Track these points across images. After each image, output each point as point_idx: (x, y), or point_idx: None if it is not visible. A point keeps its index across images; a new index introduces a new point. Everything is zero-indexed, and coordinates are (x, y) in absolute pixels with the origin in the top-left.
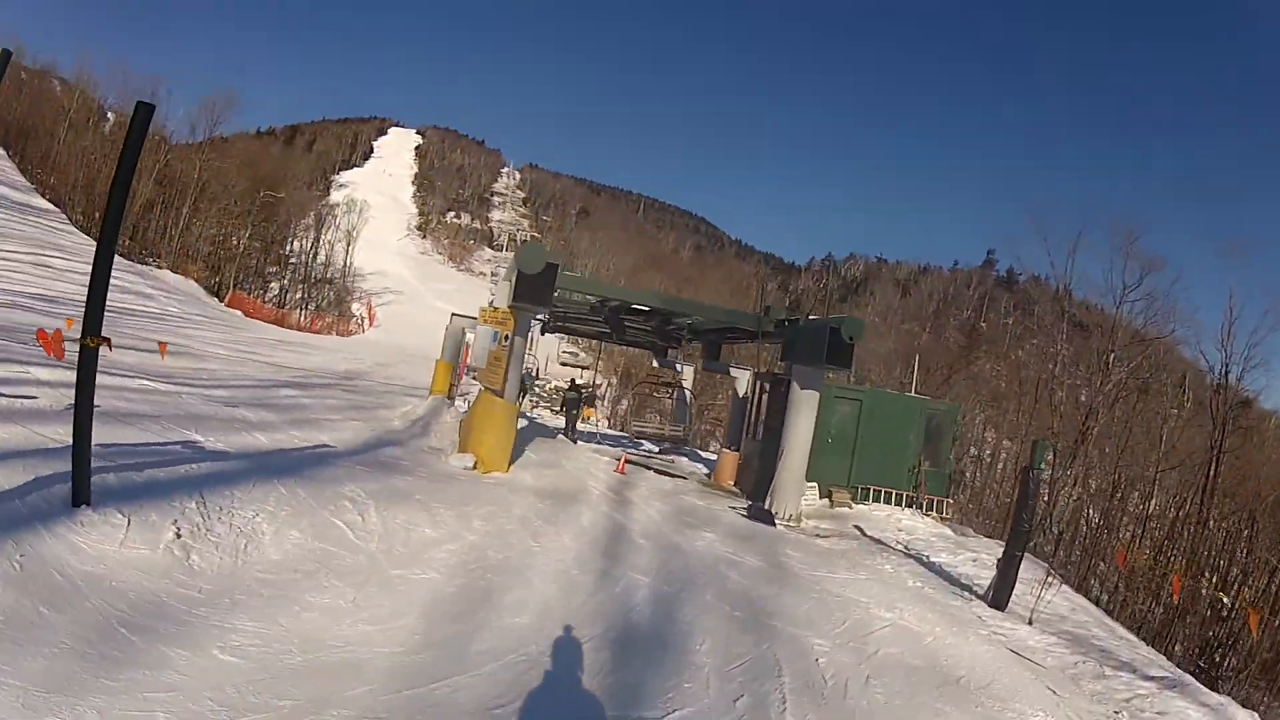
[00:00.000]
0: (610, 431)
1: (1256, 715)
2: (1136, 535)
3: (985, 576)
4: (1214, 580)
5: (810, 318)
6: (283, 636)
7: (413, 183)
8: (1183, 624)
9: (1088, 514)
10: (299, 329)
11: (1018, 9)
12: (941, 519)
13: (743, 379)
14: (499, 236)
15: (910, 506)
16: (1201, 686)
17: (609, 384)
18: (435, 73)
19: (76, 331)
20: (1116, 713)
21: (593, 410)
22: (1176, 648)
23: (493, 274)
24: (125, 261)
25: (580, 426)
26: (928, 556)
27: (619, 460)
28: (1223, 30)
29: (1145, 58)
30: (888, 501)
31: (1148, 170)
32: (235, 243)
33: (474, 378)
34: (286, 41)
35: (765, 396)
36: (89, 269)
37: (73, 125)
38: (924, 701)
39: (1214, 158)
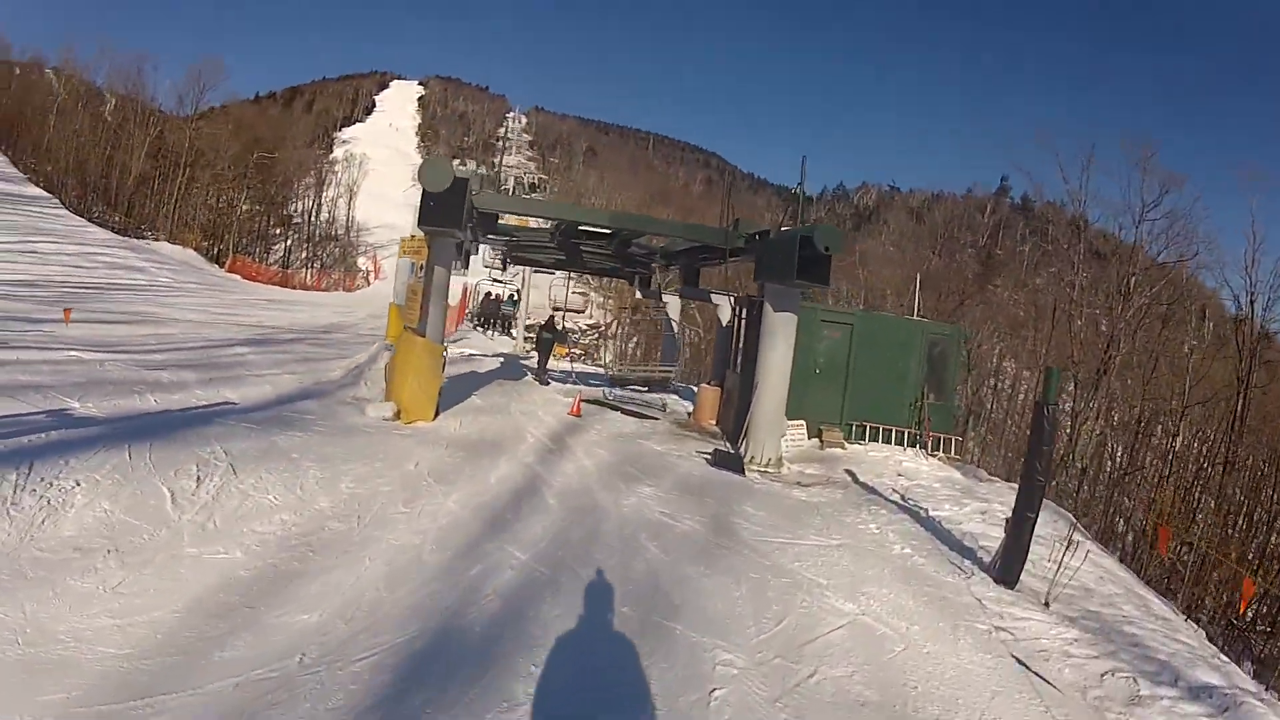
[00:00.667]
0: (597, 370)
1: None
2: (1164, 476)
3: (994, 536)
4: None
5: (783, 229)
6: (16, 625)
7: (416, 134)
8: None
9: (1111, 449)
10: (302, 288)
11: None
12: (949, 460)
13: (725, 306)
14: (506, 181)
15: (913, 446)
16: (1262, 705)
17: (619, 323)
18: (434, 21)
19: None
20: None
21: (565, 349)
22: (1207, 600)
23: None
24: (118, 237)
25: (553, 366)
26: (927, 510)
27: (574, 401)
28: None
29: None
30: (887, 440)
31: (1164, 81)
32: (234, 208)
33: (476, 324)
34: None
35: (745, 324)
36: (79, 250)
37: (62, 111)
38: None
39: (1235, 62)
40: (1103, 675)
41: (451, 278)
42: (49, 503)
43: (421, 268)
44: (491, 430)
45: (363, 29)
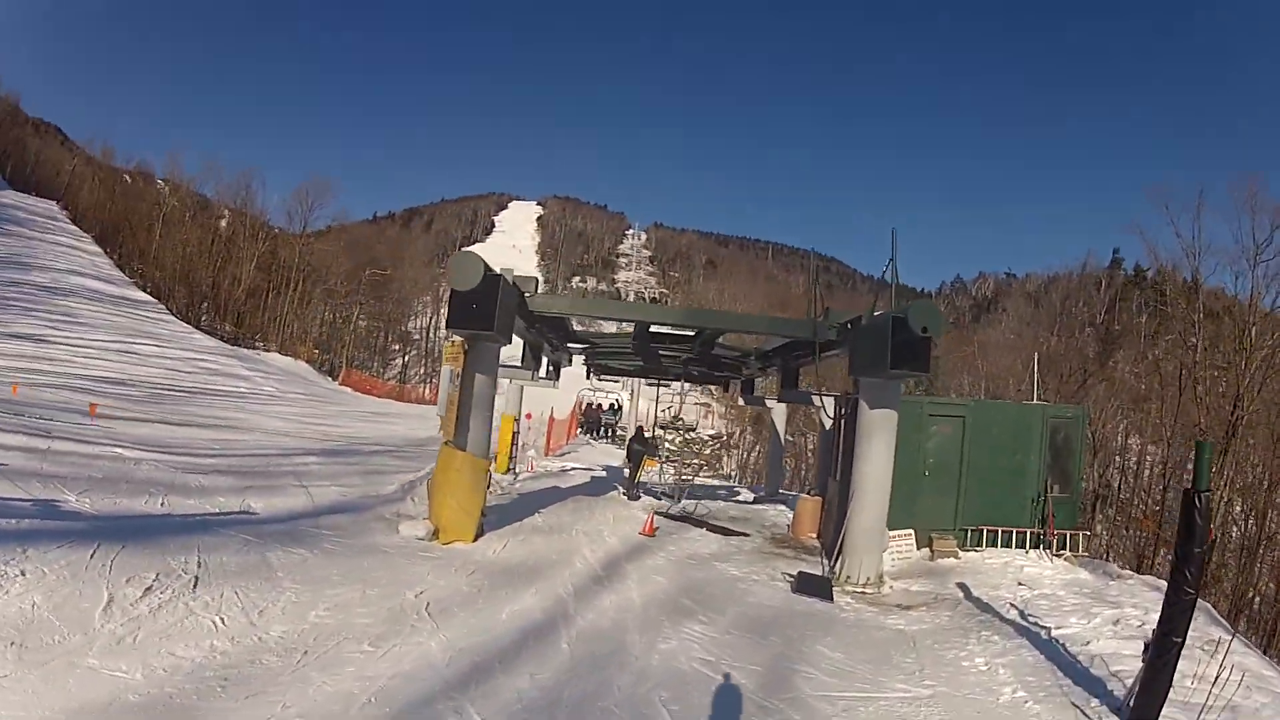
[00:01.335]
0: (714, 484)
1: None
2: None
3: (1129, 656)
4: None
5: (875, 315)
6: None
7: (536, 252)
8: None
9: (1239, 514)
10: (418, 401)
11: None
12: (1076, 559)
13: (826, 407)
14: (626, 296)
15: (1036, 547)
16: None
17: (741, 433)
18: (553, 145)
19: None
20: None
21: (655, 461)
22: None
23: None
24: (226, 345)
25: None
26: (1050, 628)
27: (647, 521)
28: None
29: None
30: (1007, 544)
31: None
32: (349, 323)
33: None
34: (399, 127)
35: (845, 426)
36: (182, 355)
37: (169, 220)
38: None
39: None
40: None
41: (556, 388)
42: None
43: (458, 375)
44: (538, 554)
45: (481, 151)
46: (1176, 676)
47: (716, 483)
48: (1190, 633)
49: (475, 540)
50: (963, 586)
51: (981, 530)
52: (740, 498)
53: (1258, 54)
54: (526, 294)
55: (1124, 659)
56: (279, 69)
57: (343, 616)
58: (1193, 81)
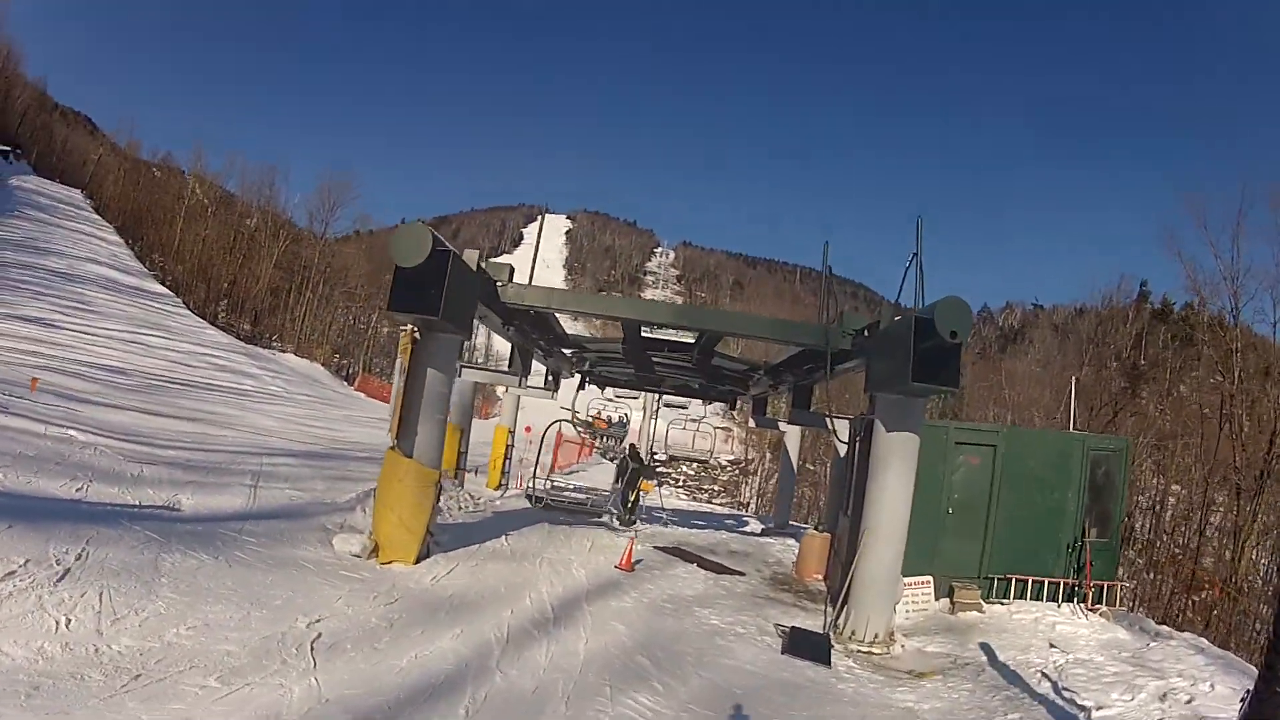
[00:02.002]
0: (715, 510)
1: None
2: None
3: None
4: None
5: (895, 319)
6: None
7: (564, 266)
8: None
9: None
10: None
11: None
12: (1113, 614)
13: (841, 430)
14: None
15: (1070, 600)
16: None
17: (760, 459)
18: (585, 158)
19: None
20: None
21: (651, 485)
22: None
23: None
24: (239, 343)
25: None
26: (1090, 709)
27: (625, 551)
28: None
29: None
30: (1037, 596)
31: None
32: (369, 328)
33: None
34: (429, 134)
35: (858, 453)
36: (191, 349)
37: (192, 214)
38: None
39: None
40: None
41: (554, 398)
42: None
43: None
44: (485, 584)
45: (512, 164)
46: None
47: (725, 511)
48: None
49: (417, 562)
50: (986, 648)
51: (1010, 580)
52: (747, 528)
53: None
54: (499, 283)
55: None
56: (309, 69)
57: (205, 639)
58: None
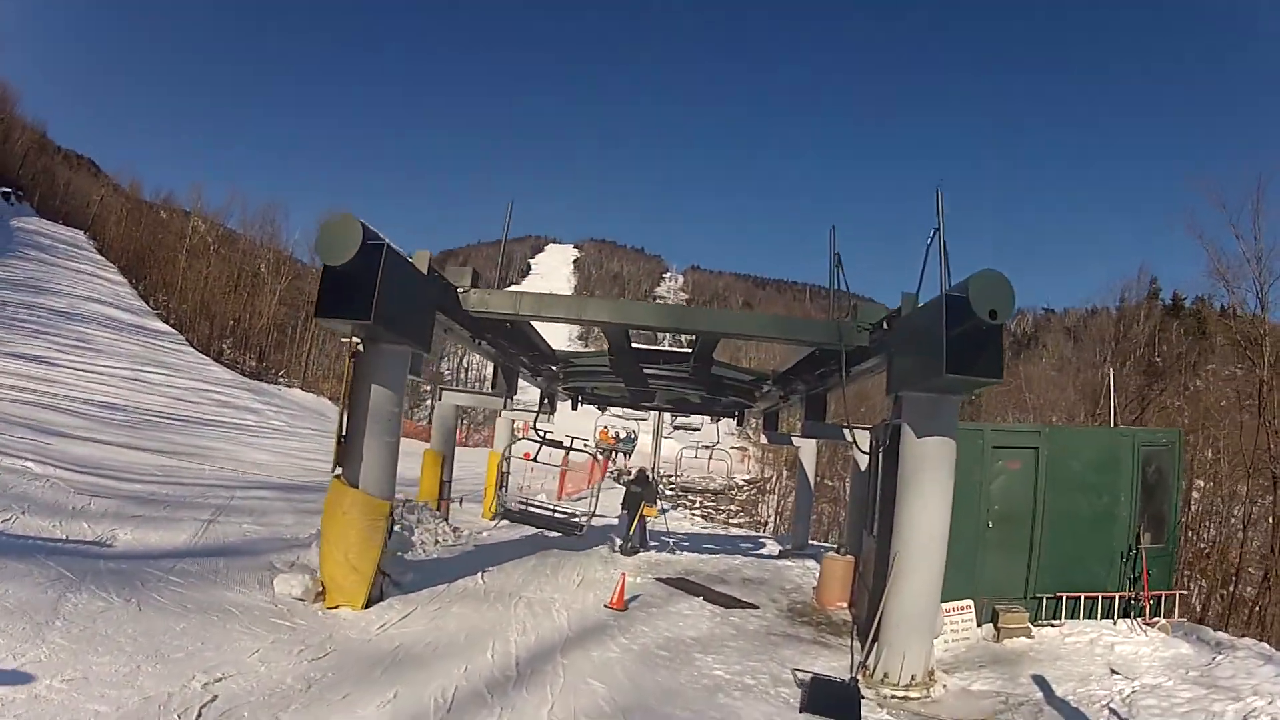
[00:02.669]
0: (730, 532)
1: None
2: None
3: None
4: None
5: (920, 306)
6: None
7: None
8: None
9: None
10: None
11: None
12: (1170, 626)
13: (861, 442)
14: (661, 340)
15: (1126, 615)
16: None
17: (777, 477)
18: (590, 188)
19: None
20: None
21: (654, 510)
22: None
23: None
24: (242, 379)
25: (658, 525)
26: None
27: (617, 588)
28: None
29: None
30: (1089, 615)
31: None
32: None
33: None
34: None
35: (882, 464)
36: (193, 385)
37: (194, 252)
38: None
39: None
40: None
41: (550, 422)
42: None
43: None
44: (445, 633)
45: (517, 196)
46: None
47: (740, 533)
48: None
49: (366, 607)
50: (1041, 682)
51: (1060, 598)
52: (763, 551)
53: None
54: (460, 289)
55: None
56: (310, 97)
57: (78, 696)
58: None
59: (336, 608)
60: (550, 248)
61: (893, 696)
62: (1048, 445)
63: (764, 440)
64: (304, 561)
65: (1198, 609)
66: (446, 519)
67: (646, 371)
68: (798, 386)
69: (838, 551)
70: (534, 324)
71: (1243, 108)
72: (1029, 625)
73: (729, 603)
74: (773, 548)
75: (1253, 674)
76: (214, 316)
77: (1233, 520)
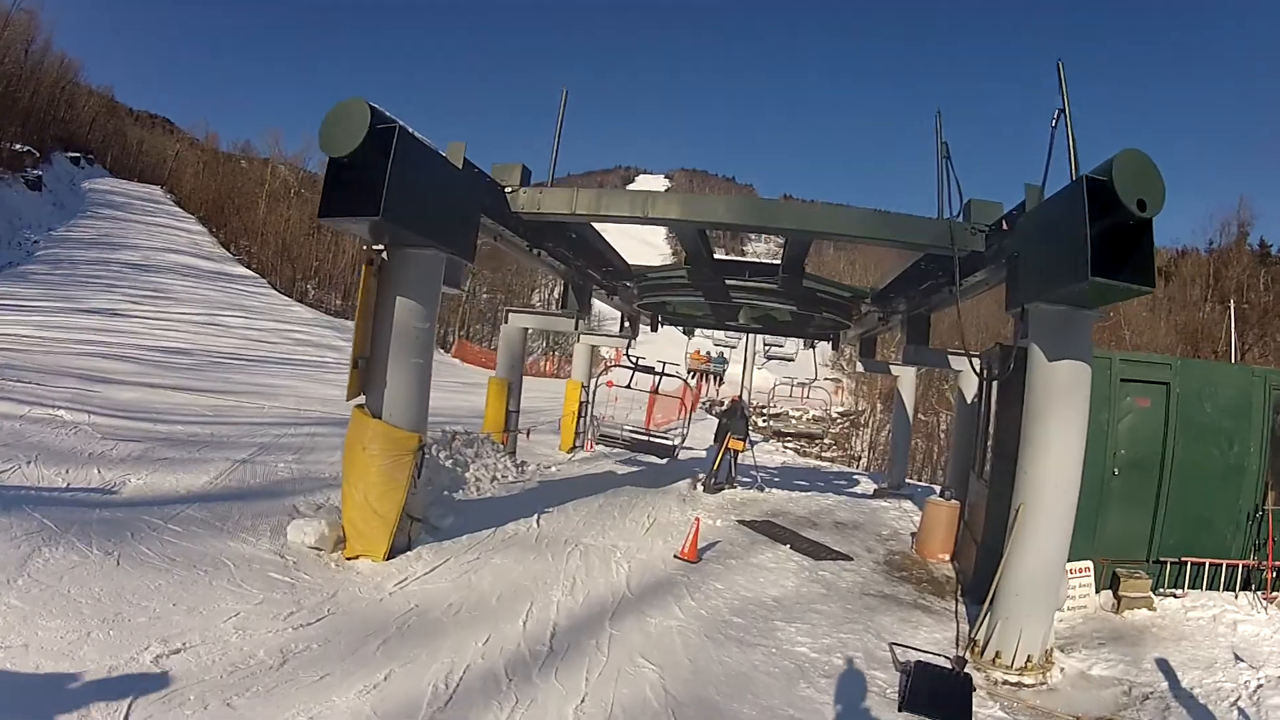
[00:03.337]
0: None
1: None
2: None
3: None
4: None
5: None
6: None
7: (667, 235)
8: None
9: None
10: (538, 375)
11: None
12: None
13: (968, 370)
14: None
15: (1245, 588)
16: None
17: (872, 408)
18: (682, 117)
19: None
20: None
21: (742, 444)
22: None
23: None
24: (326, 317)
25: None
26: None
27: (690, 534)
28: None
29: None
30: (1212, 585)
31: None
32: (463, 293)
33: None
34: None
35: (997, 396)
36: (273, 327)
37: (273, 197)
38: None
39: None
40: None
41: (632, 346)
42: None
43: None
44: (474, 592)
45: (608, 128)
46: None
47: (834, 470)
48: None
49: (389, 557)
50: (1165, 668)
51: (1184, 563)
52: (857, 489)
53: None
54: (508, 189)
55: None
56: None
57: (10, 668)
58: None
59: (356, 558)
60: (641, 178)
61: (1004, 683)
62: (1179, 381)
63: (859, 369)
64: (334, 503)
65: None
66: (512, 453)
67: (729, 283)
68: (898, 305)
69: (941, 496)
70: (601, 233)
71: None
72: (1151, 595)
73: (819, 553)
74: (867, 485)
75: None
76: (296, 259)
77: None
